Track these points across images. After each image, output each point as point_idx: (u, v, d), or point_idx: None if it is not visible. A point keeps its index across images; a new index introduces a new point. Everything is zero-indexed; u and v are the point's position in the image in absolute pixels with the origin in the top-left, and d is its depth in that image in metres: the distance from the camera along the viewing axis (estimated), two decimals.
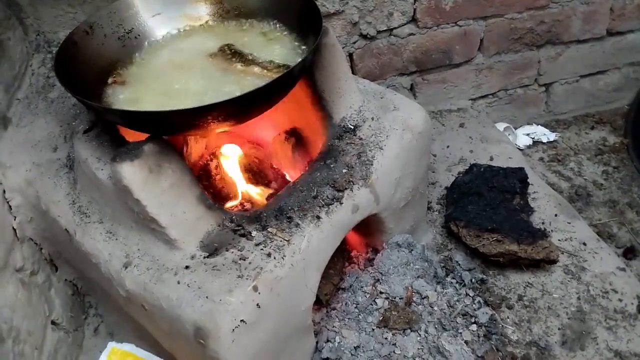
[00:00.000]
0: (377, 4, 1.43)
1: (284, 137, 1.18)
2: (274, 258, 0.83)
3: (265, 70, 0.92)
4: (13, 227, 1.02)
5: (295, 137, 1.18)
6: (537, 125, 1.74)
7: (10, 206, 1.02)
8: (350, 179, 0.95)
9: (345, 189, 0.93)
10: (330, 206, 0.91)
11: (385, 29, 1.48)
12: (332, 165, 0.97)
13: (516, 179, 1.31)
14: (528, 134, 1.72)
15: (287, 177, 1.20)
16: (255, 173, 1.22)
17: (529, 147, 1.70)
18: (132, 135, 0.94)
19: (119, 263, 0.86)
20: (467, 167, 1.39)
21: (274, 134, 1.21)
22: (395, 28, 1.49)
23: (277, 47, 0.99)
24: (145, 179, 0.79)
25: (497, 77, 1.64)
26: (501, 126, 1.68)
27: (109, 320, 1.18)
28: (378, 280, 1.13)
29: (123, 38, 1.02)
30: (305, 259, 0.86)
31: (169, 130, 0.85)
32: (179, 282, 0.80)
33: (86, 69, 0.93)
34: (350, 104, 1.04)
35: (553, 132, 1.73)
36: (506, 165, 1.37)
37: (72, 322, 1.15)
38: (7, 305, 0.94)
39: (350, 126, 1.02)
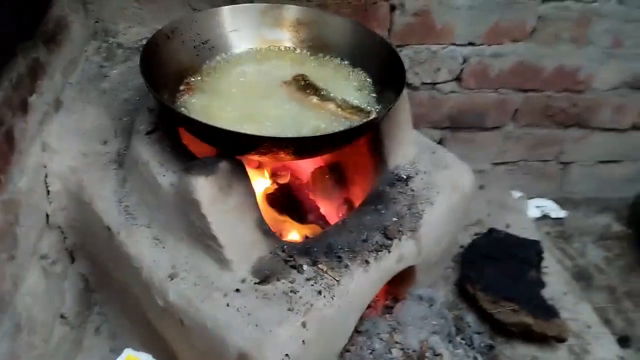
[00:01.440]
0: (428, 58, 1.47)
1: (325, 171, 1.19)
2: (324, 296, 0.83)
3: (340, 109, 0.93)
4: (47, 213, 1.00)
5: (337, 173, 1.20)
6: (548, 199, 1.80)
7: (48, 191, 1.00)
8: (400, 228, 0.96)
9: (395, 237, 0.94)
10: (378, 252, 0.92)
11: (429, 82, 1.52)
12: (382, 212, 0.98)
13: (534, 251, 1.35)
14: (538, 207, 1.77)
15: (322, 211, 1.21)
16: (291, 202, 1.22)
17: (537, 219, 1.75)
18: (193, 144, 0.94)
19: (163, 272, 0.85)
20: (485, 231, 1.42)
21: (314, 165, 1.22)
22: (439, 83, 1.53)
23: (348, 85, 1.01)
24: (215, 196, 0.79)
25: (523, 147, 1.69)
26: (515, 194, 1.73)
27: (115, 321, 1.14)
28: (395, 329, 1.13)
29: (198, 47, 1.02)
30: (351, 302, 0.86)
31: (242, 152, 0.85)
32: (228, 305, 0.79)
33: (162, 73, 0.92)
34: (406, 154, 1.06)
35: (562, 209, 1.78)
36: (521, 235, 1.41)
37: (78, 317, 1.11)
38: (29, 293, 0.91)
39: (403, 176, 1.04)
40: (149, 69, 0.87)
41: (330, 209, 1.20)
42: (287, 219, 1.15)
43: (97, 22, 1.30)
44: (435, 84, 1.53)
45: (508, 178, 1.78)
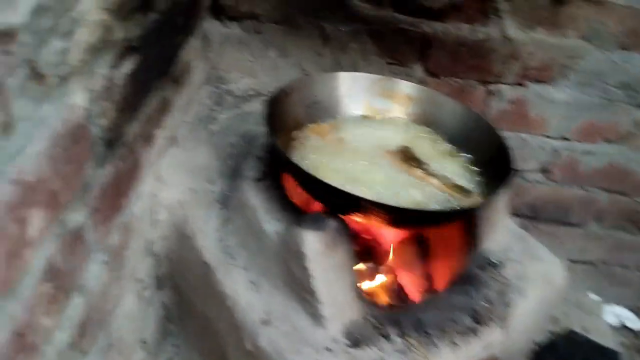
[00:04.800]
0: (518, 145, 1.48)
1: (411, 241, 1.20)
2: None
3: (444, 186, 0.95)
4: (150, 240, 1.04)
5: (421, 246, 1.20)
6: (625, 308, 1.72)
7: (154, 220, 1.05)
8: (490, 314, 0.94)
9: (484, 323, 0.93)
10: (467, 336, 0.90)
11: (516, 169, 1.52)
12: (472, 294, 0.97)
13: None
14: (615, 314, 1.69)
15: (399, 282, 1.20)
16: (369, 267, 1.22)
17: (613, 327, 1.67)
18: (295, 196, 0.97)
19: (256, 316, 0.86)
20: (562, 331, 1.36)
21: (398, 234, 1.22)
22: (525, 171, 1.53)
23: (449, 162, 1.03)
24: (321, 252, 0.81)
25: (604, 249, 1.64)
26: (592, 296, 1.67)
27: (187, 355, 1.15)
28: None
29: (310, 106, 1.08)
30: None
31: (346, 211, 0.87)
32: None
33: (277, 126, 0.98)
34: (499, 239, 1.05)
35: None
36: (599, 341, 1.34)
37: (156, 345, 1.13)
38: (124, 314, 0.94)
39: (494, 261, 1.03)
40: (270, 120, 0.92)
41: (408, 281, 1.19)
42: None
43: (212, 69, 1.40)
44: (522, 171, 1.53)
45: (586, 278, 1.72)
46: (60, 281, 0.65)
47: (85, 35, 0.66)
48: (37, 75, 0.57)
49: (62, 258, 0.65)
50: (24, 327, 0.57)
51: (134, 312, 0.98)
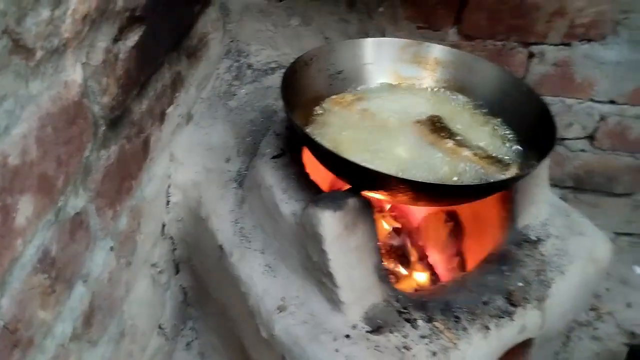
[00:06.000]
0: (561, 111, 1.37)
1: (443, 218, 1.12)
2: (439, 359, 0.75)
3: (477, 157, 0.87)
4: (163, 223, 1.01)
5: (453, 222, 1.12)
6: None
7: (168, 202, 1.01)
8: (526, 295, 0.87)
9: (520, 305, 0.85)
10: (500, 319, 0.83)
11: (558, 137, 1.41)
12: (507, 274, 0.89)
13: None
14: None
15: (430, 260, 1.14)
16: (397, 247, 1.16)
17: None
18: (315, 174, 0.91)
19: (272, 303, 0.82)
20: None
21: (429, 210, 1.15)
22: (568, 139, 1.42)
23: (484, 132, 0.94)
24: (339, 234, 0.75)
25: None
26: (637, 270, 1.56)
27: (206, 339, 1.14)
28: None
29: (332, 77, 1.01)
30: None
31: (370, 188, 0.81)
32: (337, 350, 0.75)
33: (297, 99, 0.91)
34: (538, 214, 0.97)
35: None
36: None
37: (174, 330, 1.11)
38: (137, 300, 0.92)
39: (532, 237, 0.95)
40: (287, 93, 0.86)
41: (439, 260, 1.12)
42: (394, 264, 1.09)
43: (231, 41, 1.34)
44: (564, 139, 1.42)
45: (631, 251, 1.61)
46: (58, 271, 0.61)
47: (78, 4, 0.61)
48: (20, 48, 0.53)
49: (59, 247, 0.62)
50: (15, 322, 0.53)
51: (149, 298, 0.95)
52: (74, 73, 0.65)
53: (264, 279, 0.85)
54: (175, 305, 1.11)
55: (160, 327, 1.04)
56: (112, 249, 0.77)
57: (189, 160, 1.02)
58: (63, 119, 0.62)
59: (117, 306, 0.82)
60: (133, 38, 0.79)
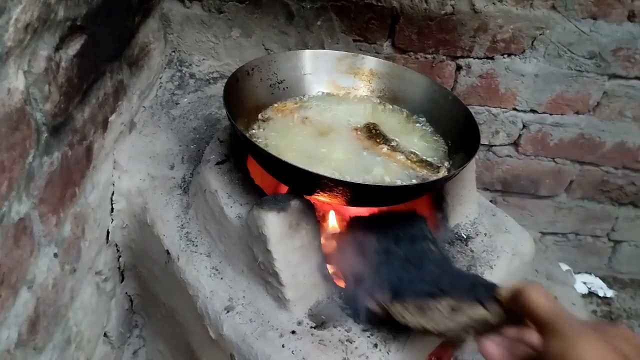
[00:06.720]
0: (487, 120, 1.47)
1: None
2: (380, 350, 0.80)
3: (409, 162, 0.94)
4: (108, 230, 1.01)
5: None
6: (595, 277, 1.74)
7: (112, 209, 1.01)
8: None
9: None
10: None
11: (486, 143, 1.52)
12: None
13: None
14: (585, 283, 1.72)
15: None
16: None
17: (583, 296, 1.69)
18: (259, 179, 0.95)
19: (220, 304, 0.84)
20: None
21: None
22: (495, 146, 1.53)
23: (417, 138, 1.01)
24: (283, 234, 0.79)
25: (574, 220, 1.66)
26: (563, 267, 1.68)
27: (153, 347, 1.13)
28: None
29: (273, 86, 1.05)
30: (403, 358, 0.83)
31: (310, 192, 0.85)
32: (283, 346, 0.78)
33: (239, 107, 0.95)
34: (467, 213, 1.04)
35: (610, 288, 1.72)
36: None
37: (120, 338, 1.10)
38: (82, 307, 0.91)
39: (463, 235, 1.02)
40: (229, 101, 0.89)
41: None
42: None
43: (173, 51, 1.35)
44: (491, 146, 1.53)
45: (556, 249, 1.74)
46: (3, 277, 0.61)
47: (20, 13, 0.62)
48: None
49: (4, 252, 0.62)
50: None
51: (94, 305, 0.95)
52: (16, 80, 0.65)
53: (211, 281, 0.87)
54: (121, 313, 1.10)
55: (106, 335, 1.04)
56: (55, 255, 0.77)
57: (132, 167, 1.02)
58: (6, 125, 0.63)
59: (62, 313, 0.82)
60: (74, 47, 0.80)
